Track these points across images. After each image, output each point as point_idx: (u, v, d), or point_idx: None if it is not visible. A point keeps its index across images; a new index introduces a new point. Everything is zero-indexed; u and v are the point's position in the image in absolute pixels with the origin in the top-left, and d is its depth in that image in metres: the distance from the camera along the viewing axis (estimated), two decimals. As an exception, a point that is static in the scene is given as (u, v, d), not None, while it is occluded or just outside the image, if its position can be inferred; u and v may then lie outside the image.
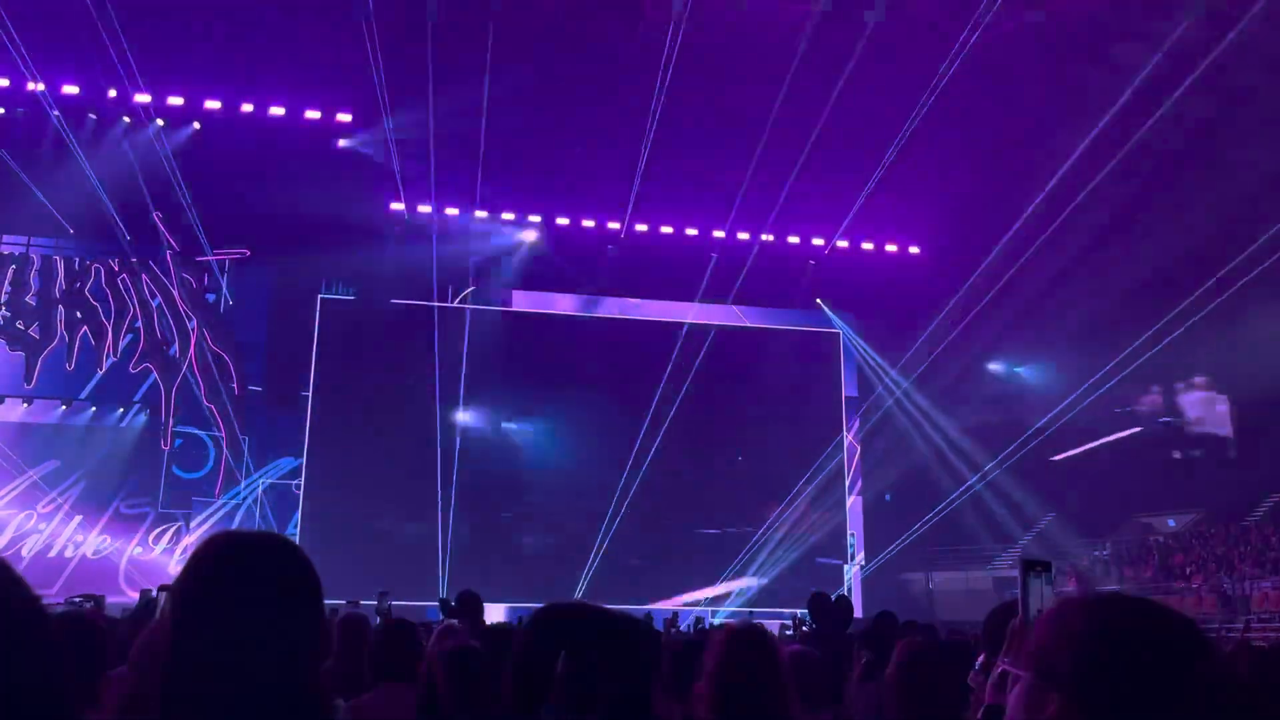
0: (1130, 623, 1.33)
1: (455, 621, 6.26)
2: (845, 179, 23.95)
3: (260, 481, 22.64)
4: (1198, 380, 26.67)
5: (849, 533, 25.73)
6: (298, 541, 16.65)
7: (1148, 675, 1.26)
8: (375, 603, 9.45)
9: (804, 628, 9.84)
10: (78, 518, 21.14)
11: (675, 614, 12.27)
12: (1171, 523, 25.22)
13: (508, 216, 23.95)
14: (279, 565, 1.71)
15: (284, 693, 1.61)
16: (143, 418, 22.00)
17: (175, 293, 22.14)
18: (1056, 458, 25.50)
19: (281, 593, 1.67)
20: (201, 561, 1.69)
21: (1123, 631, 1.32)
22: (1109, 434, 25.63)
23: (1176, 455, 26.36)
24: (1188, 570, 21.81)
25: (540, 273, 24.48)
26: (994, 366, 27.14)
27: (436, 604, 10.90)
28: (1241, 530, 22.82)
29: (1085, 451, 25.55)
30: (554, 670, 1.64)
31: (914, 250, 26.17)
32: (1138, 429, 26.14)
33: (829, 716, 4.04)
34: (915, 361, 25.52)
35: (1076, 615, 1.38)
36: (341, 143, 22.01)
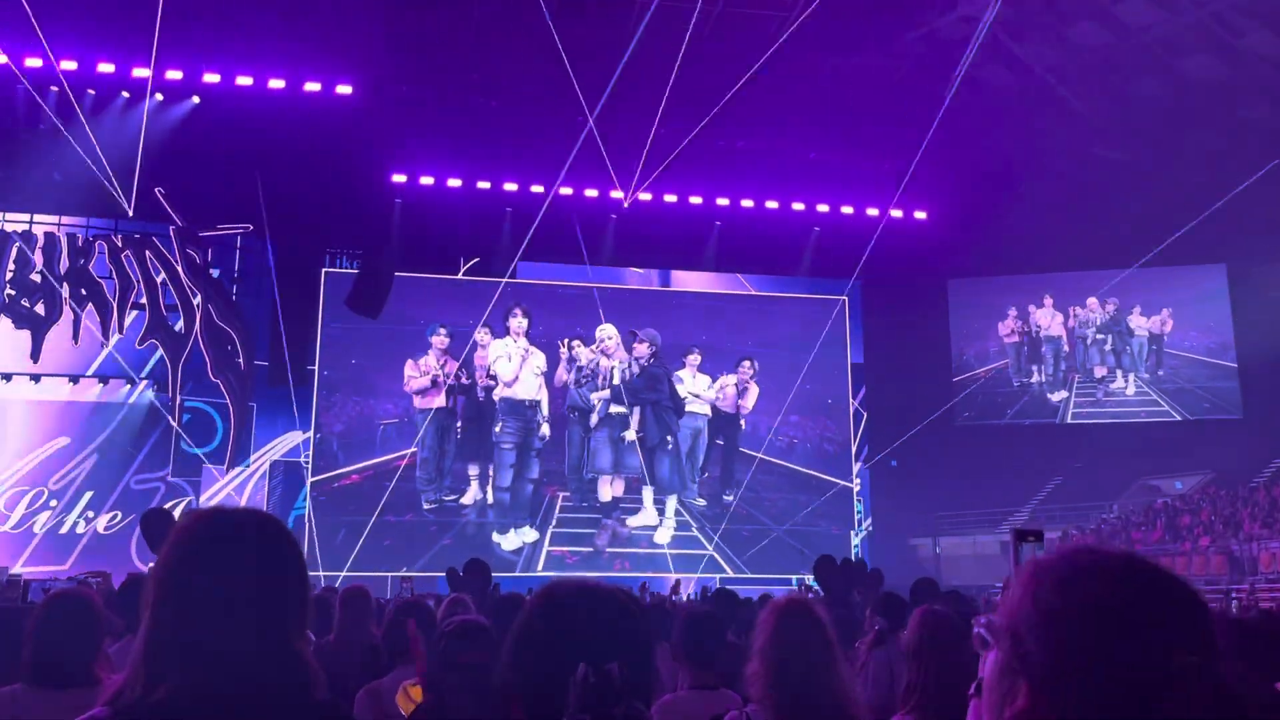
0: (1116, 600, 1.08)
1: (465, 596, 6.27)
2: (852, 144, 23.84)
3: (268, 454, 22.77)
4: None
5: (856, 499, 25.79)
6: (307, 515, 16.77)
7: (1134, 672, 1.05)
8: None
9: (810, 594, 9.87)
10: (89, 493, 21.25)
11: (678, 581, 12.30)
12: (1179, 485, 25.21)
13: (510, 186, 23.81)
14: (260, 541, 1.69)
15: (267, 668, 1.59)
16: (150, 393, 22.05)
17: (179, 268, 22.11)
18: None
19: (263, 568, 1.65)
20: (181, 538, 1.67)
21: (1106, 612, 1.08)
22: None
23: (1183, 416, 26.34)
24: (1195, 532, 21.81)
25: (543, 243, 24.34)
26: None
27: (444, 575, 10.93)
28: (1249, 491, 22.80)
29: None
30: (565, 672, 1.55)
31: (920, 215, 26.01)
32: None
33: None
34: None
35: (1050, 584, 1.13)
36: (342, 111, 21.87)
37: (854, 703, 2.91)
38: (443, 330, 23.36)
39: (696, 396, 24.57)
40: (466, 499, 23.29)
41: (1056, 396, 27.30)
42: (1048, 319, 27.50)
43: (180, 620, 1.58)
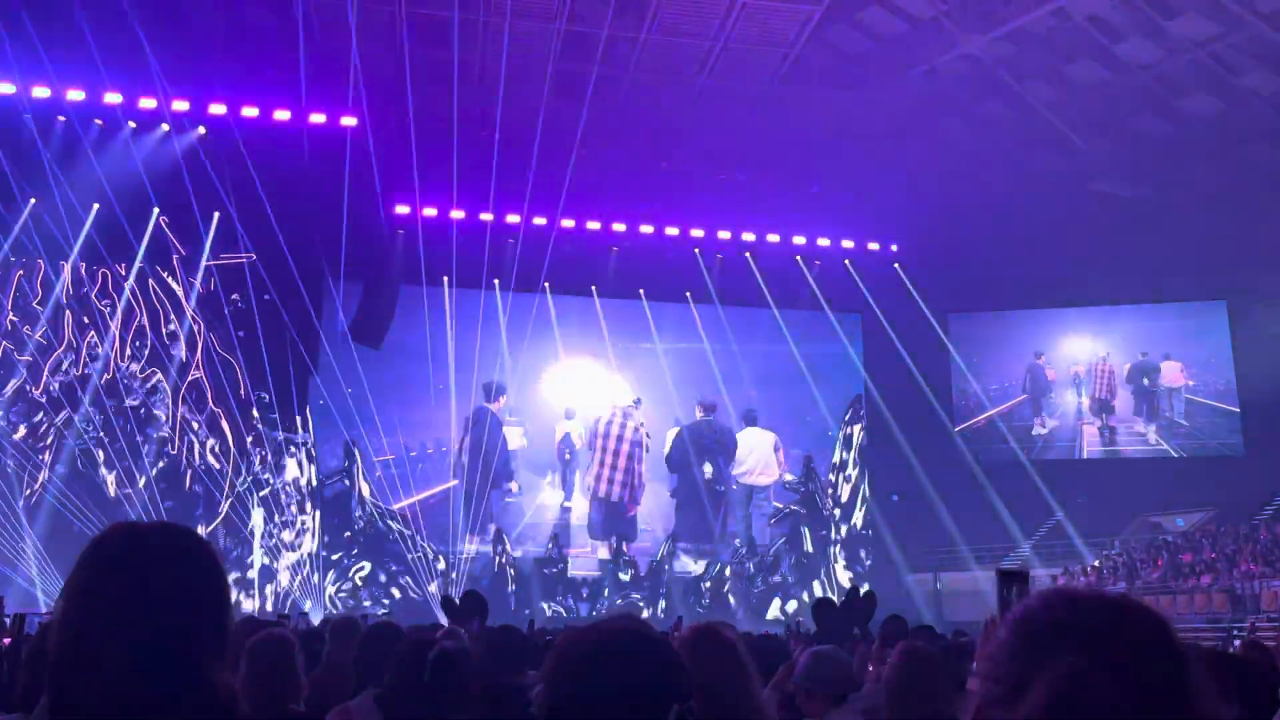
0: (1079, 618, 1.10)
1: (460, 629, 6.24)
2: (853, 179, 23.97)
3: (267, 484, 22.67)
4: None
5: (856, 534, 25.73)
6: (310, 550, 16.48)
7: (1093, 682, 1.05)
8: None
9: (800, 633, 9.89)
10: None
11: (680, 619, 12.24)
12: (1180, 522, 25.11)
13: (513, 219, 23.89)
14: (173, 558, 1.60)
15: (172, 692, 1.51)
16: (151, 422, 22.00)
17: (182, 297, 22.17)
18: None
19: (172, 586, 1.56)
20: (90, 553, 1.60)
21: (1067, 627, 1.10)
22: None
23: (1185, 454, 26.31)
24: (1197, 569, 21.69)
25: (546, 274, 24.39)
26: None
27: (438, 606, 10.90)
28: (1251, 529, 22.71)
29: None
30: (607, 694, 1.62)
31: (921, 251, 26.10)
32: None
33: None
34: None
35: (1027, 614, 1.15)
36: (347, 143, 21.99)
37: None
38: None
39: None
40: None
41: (1060, 435, 27.39)
42: (1056, 367, 27.64)
43: (82, 637, 1.52)
